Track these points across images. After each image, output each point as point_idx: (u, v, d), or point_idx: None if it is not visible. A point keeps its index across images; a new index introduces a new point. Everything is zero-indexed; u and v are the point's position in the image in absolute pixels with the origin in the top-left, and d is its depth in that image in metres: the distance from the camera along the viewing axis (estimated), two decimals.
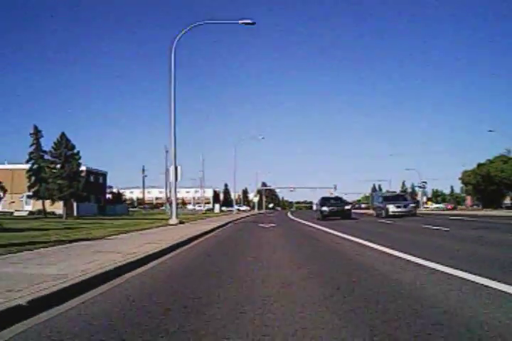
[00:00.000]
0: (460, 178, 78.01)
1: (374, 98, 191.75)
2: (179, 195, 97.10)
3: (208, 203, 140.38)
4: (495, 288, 4.69)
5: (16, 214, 46.43)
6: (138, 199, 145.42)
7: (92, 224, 25.08)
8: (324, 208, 29.90)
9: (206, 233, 16.32)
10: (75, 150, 38.37)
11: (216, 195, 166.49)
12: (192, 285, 5.47)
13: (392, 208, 30.81)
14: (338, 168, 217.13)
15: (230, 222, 27.46)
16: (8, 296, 4.24)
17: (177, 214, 24.09)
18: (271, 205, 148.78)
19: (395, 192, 76.37)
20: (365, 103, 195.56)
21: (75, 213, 44.86)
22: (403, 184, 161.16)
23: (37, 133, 41.42)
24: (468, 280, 5.26)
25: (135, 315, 3.97)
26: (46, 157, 40.85)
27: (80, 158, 38.34)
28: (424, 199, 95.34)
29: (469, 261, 7.16)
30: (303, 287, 5.19)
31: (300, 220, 30.55)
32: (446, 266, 6.34)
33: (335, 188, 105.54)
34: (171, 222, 23.29)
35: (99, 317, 3.96)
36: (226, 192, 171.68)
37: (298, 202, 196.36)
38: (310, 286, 5.24)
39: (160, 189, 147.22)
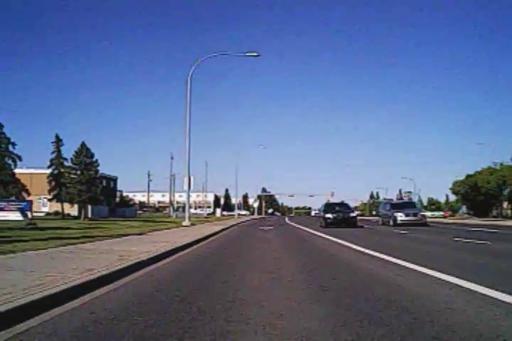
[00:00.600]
0: (450, 188, 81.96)
1: (373, 108, 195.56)
2: (181, 199, 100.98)
3: (209, 207, 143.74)
4: None
5: (34, 214, 50.34)
6: (140, 202, 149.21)
7: (112, 225, 28.90)
8: (328, 215, 27.25)
9: (217, 233, 20.32)
10: (94, 159, 42.46)
11: (217, 199, 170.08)
12: (221, 258, 9.52)
13: (400, 216, 29.10)
14: (336, 175, 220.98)
15: (234, 225, 31.48)
16: (129, 258, 8.27)
17: (189, 218, 28.11)
18: (270, 210, 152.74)
19: (391, 199, 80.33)
20: (365, 112, 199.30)
21: (89, 215, 48.85)
22: (400, 192, 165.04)
23: (58, 142, 45.56)
24: None
25: (193, 267, 8.04)
26: (66, 163, 44.94)
27: (98, 165, 42.49)
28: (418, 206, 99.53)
29: None
30: (287, 259, 9.24)
31: (295, 225, 34.20)
32: None
33: (332, 195, 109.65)
34: (184, 223, 27.31)
35: (177, 267, 8.01)
36: (227, 196, 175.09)
37: (297, 208, 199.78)
38: (291, 259, 9.30)
39: (162, 193, 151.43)
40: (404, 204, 33.19)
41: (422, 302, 4.57)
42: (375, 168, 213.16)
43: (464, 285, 5.48)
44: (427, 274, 6.54)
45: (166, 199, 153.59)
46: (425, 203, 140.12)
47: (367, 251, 10.49)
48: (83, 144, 42.18)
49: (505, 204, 73.43)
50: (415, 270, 7.06)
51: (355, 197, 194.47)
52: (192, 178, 27.97)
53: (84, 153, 41.79)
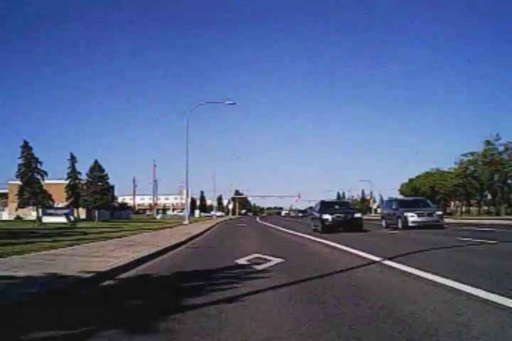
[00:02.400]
0: (399, 190, 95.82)
1: (337, 115, 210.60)
2: (159, 202, 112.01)
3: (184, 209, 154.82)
4: None
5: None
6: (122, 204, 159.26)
7: (125, 225, 40.28)
8: (326, 216, 21.91)
9: (210, 228, 32.11)
10: (105, 173, 53.86)
11: (193, 201, 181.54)
12: (218, 240, 21.71)
13: (412, 217, 23.10)
14: (302, 178, 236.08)
15: (217, 223, 43.51)
16: (167, 243, 20.35)
17: (188, 218, 40.15)
18: (243, 211, 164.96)
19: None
20: (328, 119, 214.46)
21: (96, 218, 60.22)
22: (362, 192, 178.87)
23: (72, 159, 56.82)
24: None
25: (215, 234, 20.37)
26: (79, 176, 56.29)
27: (108, 178, 53.93)
28: (375, 206, 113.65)
29: None
30: (254, 237, 21.51)
31: (262, 222, 46.38)
32: None
33: (299, 197, 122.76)
34: (184, 222, 39.18)
35: (209, 236, 20.21)
36: (202, 198, 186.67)
37: (269, 208, 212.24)
38: (257, 237, 21.65)
39: (141, 196, 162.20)
40: (416, 202, 26.81)
41: None
42: (336, 171, 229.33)
43: None
44: None
45: (145, 202, 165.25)
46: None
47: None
48: (96, 162, 53.56)
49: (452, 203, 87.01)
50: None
51: (321, 198, 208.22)
52: (190, 191, 39.94)
53: (97, 168, 53.14)
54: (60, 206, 49.11)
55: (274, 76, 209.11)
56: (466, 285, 5.41)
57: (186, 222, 39.36)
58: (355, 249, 11.07)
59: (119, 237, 16.99)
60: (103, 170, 54.10)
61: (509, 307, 4.32)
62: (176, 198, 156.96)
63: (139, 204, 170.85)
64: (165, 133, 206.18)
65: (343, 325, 3.80)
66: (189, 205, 44.09)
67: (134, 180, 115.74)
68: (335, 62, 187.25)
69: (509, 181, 60.11)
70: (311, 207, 75.90)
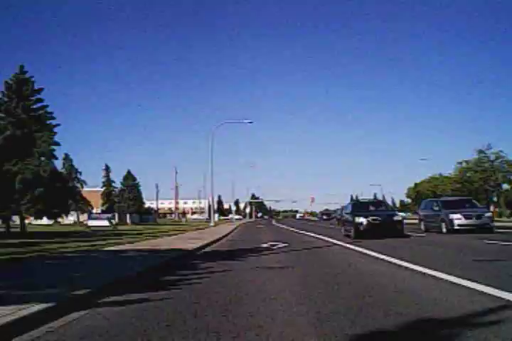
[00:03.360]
0: (405, 193, 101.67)
1: (350, 124, 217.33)
2: (180, 206, 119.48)
3: (203, 212, 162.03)
4: None
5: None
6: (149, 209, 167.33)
7: (161, 227, 47.20)
8: (361, 220, 18.90)
9: (234, 229, 38.71)
10: (136, 181, 60.96)
11: (209, 206, 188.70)
12: (245, 235, 28.41)
13: (459, 220, 20.35)
14: (315, 183, 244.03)
15: (238, 225, 50.12)
16: (212, 237, 27.04)
17: (214, 221, 46.90)
18: (259, 214, 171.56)
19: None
20: (341, 128, 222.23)
21: (129, 221, 67.31)
22: (375, 195, 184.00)
23: (107, 170, 64.12)
24: None
25: (242, 230, 26.95)
26: (113, 184, 63.47)
27: (140, 186, 61.02)
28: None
29: None
30: (269, 231, 28.14)
31: (279, 225, 52.89)
32: None
33: (312, 200, 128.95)
34: (210, 225, 45.86)
35: (233, 239, 26.85)
36: (219, 202, 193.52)
37: (285, 211, 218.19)
38: (272, 233, 28.32)
39: (161, 200, 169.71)
40: (461, 202, 23.74)
41: None
42: (348, 176, 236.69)
43: None
44: None
45: (165, 206, 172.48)
46: (397, 204, 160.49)
47: None
48: (129, 172, 60.75)
49: None
50: None
51: (334, 201, 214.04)
52: (215, 197, 46.67)
53: (130, 178, 60.26)
54: (97, 211, 56.28)
55: (285, 82, 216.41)
56: None
57: (212, 224, 46.12)
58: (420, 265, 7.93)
59: (175, 234, 23.71)
60: (135, 179, 61.25)
61: None
62: (194, 202, 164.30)
63: (159, 209, 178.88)
64: (185, 143, 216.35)
65: (307, 260, 10.43)
66: (213, 210, 50.70)
67: (156, 186, 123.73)
68: (344, 68, 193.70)
69: (505, 186, 65.79)
70: (336, 209, 73.67)
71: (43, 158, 27.23)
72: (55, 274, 7.40)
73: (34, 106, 29.49)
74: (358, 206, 21.86)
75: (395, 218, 19.11)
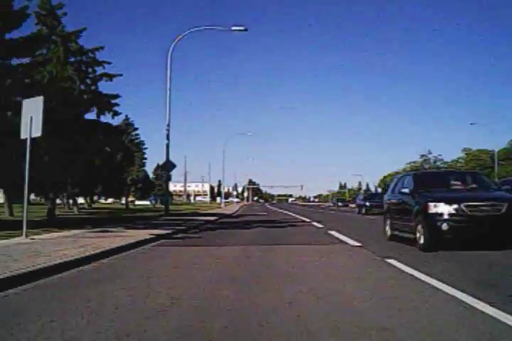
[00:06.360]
0: (378, 184, 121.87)
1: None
2: (182, 188, 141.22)
3: (206, 195, 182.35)
4: None
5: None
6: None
7: (189, 206, 66.96)
8: (444, 208, 8.47)
9: (239, 209, 58.61)
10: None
11: (212, 188, 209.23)
12: (248, 210, 48.56)
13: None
14: (304, 171, 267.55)
15: (241, 207, 69.97)
16: (232, 210, 47.11)
17: (224, 203, 67.05)
18: (255, 198, 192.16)
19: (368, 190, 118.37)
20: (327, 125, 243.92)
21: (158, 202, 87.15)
22: (359, 184, 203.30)
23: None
24: None
25: (246, 208, 47.06)
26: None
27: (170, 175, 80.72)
28: None
29: None
30: (265, 211, 48.27)
31: (269, 207, 72.79)
32: None
33: (301, 188, 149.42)
34: (221, 205, 65.79)
35: (242, 212, 46.96)
36: (219, 186, 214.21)
37: (279, 195, 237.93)
38: (262, 209, 48.50)
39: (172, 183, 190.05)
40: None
41: None
42: (333, 166, 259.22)
43: None
44: None
45: (171, 188, 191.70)
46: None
47: None
48: (158, 164, 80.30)
49: None
50: None
51: (325, 188, 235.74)
52: (209, 179, 66.65)
53: (159, 169, 79.84)
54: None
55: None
56: None
57: (223, 205, 66.27)
58: None
59: (211, 209, 43.81)
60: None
61: None
62: (196, 186, 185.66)
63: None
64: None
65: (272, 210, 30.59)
66: (223, 195, 70.42)
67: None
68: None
69: None
70: (357, 195, 62.32)
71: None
72: (167, 224, 27.33)
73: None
74: (428, 179, 10.63)
75: (503, 208, 8.48)
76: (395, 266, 6.62)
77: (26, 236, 9.39)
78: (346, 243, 10.32)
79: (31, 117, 9.21)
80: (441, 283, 5.15)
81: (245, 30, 24.04)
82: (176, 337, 3.28)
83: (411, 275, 5.84)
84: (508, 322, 3.55)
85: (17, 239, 9.26)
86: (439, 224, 8.30)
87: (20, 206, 16.26)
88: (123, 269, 6.71)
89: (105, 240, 9.67)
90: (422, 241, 8.62)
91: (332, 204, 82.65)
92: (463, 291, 4.65)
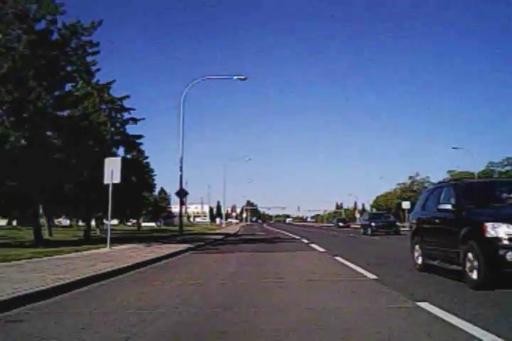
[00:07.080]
0: (371, 204, 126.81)
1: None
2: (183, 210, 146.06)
3: (206, 216, 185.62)
4: None
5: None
6: None
7: (193, 227, 71.57)
8: (508, 234, 6.17)
9: (242, 227, 63.43)
10: (167, 196, 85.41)
11: (211, 210, 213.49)
12: (248, 231, 53.36)
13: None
14: (300, 191, 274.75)
15: (242, 226, 74.56)
16: (234, 230, 51.91)
17: (225, 224, 71.78)
18: (254, 219, 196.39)
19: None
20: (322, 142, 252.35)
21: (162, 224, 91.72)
22: (355, 204, 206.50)
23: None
24: None
25: (247, 228, 51.94)
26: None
27: (170, 199, 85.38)
28: (358, 215, 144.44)
29: None
30: (264, 231, 53.11)
31: (269, 227, 77.43)
32: None
33: (298, 209, 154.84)
34: (223, 226, 70.48)
35: (243, 232, 51.78)
36: (218, 207, 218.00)
37: (277, 216, 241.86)
38: (260, 230, 53.35)
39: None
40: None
41: None
42: (329, 186, 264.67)
43: None
44: None
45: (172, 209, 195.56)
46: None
47: None
48: (162, 188, 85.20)
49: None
50: None
51: (318, 208, 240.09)
52: (208, 200, 71.48)
53: (162, 193, 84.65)
54: None
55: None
56: None
57: (224, 225, 70.97)
58: None
59: (217, 230, 48.61)
60: (166, 193, 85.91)
61: None
62: (196, 207, 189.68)
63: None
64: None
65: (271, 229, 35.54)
66: (224, 216, 75.20)
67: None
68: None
69: None
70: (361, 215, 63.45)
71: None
72: (189, 239, 32.21)
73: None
74: (476, 192, 8.20)
75: None
76: (435, 316, 4.50)
77: (110, 246, 14.31)
78: (357, 272, 8.55)
79: (112, 170, 14.19)
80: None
81: (244, 79, 26.79)
82: (249, 277, 8.35)
83: (466, 333, 3.81)
84: None
85: (104, 249, 14.13)
86: (501, 252, 6.09)
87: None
88: (184, 263, 11.67)
89: (157, 250, 14.55)
90: (474, 275, 6.46)
91: (333, 225, 74.26)
92: None
